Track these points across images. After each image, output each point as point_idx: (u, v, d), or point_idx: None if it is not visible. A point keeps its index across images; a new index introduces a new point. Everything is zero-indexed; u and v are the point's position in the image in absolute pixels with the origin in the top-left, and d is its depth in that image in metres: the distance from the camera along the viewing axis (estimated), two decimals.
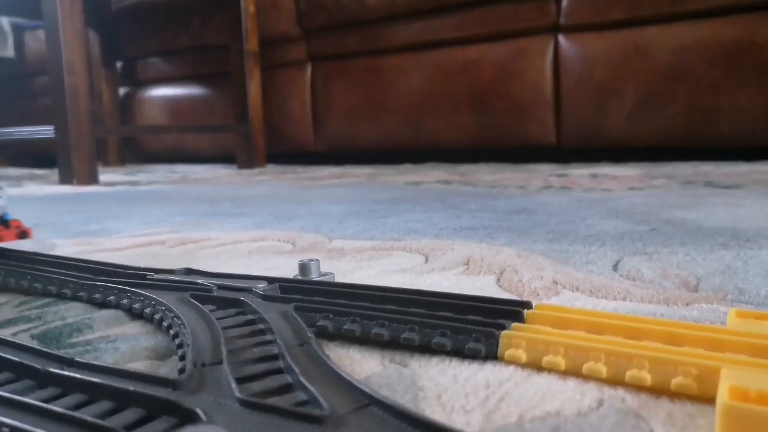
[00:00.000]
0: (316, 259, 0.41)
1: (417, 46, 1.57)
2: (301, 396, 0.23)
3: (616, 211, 0.71)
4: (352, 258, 0.52)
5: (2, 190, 0.50)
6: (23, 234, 0.55)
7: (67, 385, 0.25)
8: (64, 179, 1.37)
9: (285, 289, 0.38)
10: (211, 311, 0.34)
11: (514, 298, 0.38)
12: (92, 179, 1.34)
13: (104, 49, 2.09)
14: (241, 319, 0.33)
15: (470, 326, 0.29)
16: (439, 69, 1.54)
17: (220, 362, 0.26)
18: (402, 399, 0.25)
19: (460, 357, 0.29)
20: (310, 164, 1.80)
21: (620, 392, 0.25)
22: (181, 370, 0.27)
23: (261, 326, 0.32)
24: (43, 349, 0.29)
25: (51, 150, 1.21)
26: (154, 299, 0.37)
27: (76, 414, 0.22)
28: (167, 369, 0.29)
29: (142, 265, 0.46)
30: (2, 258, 0.51)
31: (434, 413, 0.24)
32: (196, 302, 0.35)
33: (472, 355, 0.28)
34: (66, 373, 0.25)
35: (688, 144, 1.31)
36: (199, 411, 0.22)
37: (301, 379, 0.24)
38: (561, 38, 1.39)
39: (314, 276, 0.41)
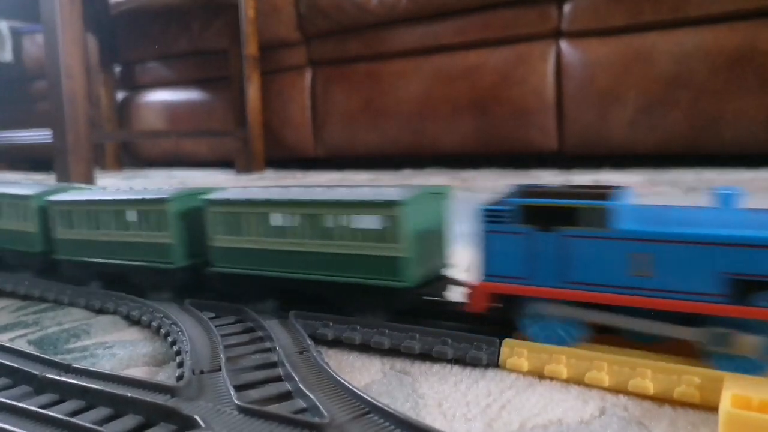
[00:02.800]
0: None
1: (418, 51, 1.57)
2: (301, 403, 0.23)
3: None
4: None
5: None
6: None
7: (65, 391, 0.25)
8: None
9: None
10: (210, 318, 0.34)
11: None
12: (89, 183, 1.34)
13: (103, 53, 2.09)
14: (240, 326, 0.33)
15: (471, 334, 0.29)
16: (440, 74, 1.54)
17: (219, 369, 0.26)
18: (402, 407, 0.25)
19: (461, 365, 0.28)
20: (310, 169, 1.80)
21: (623, 400, 0.25)
22: (180, 377, 0.27)
23: (260, 334, 0.32)
24: (41, 355, 0.28)
25: (49, 154, 1.20)
26: (152, 306, 0.37)
27: (74, 420, 0.22)
28: (165, 375, 0.29)
29: None
30: None
31: (435, 421, 0.23)
32: (194, 309, 0.35)
33: (474, 363, 0.28)
34: (64, 379, 0.25)
35: (691, 151, 1.31)
36: (197, 418, 0.21)
37: (301, 386, 0.24)
38: (563, 44, 1.39)
39: None
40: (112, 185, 0.95)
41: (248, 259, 0.36)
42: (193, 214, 0.38)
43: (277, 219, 0.34)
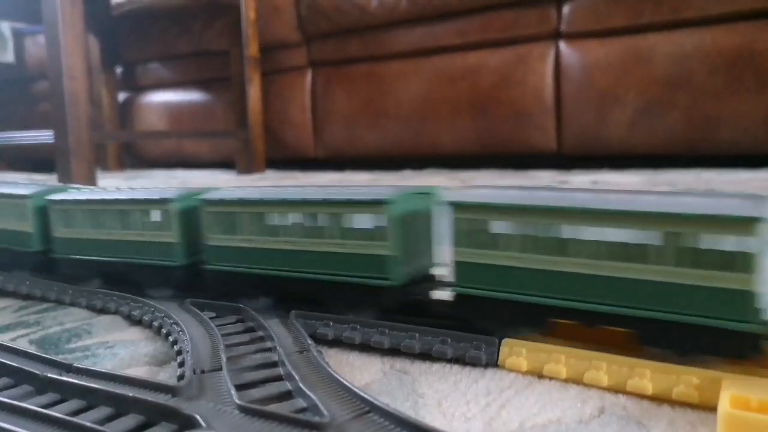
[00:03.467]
0: None
1: (418, 52, 1.57)
2: (301, 403, 0.23)
3: None
4: None
5: None
6: None
7: (66, 391, 0.25)
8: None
9: None
10: (210, 318, 0.34)
11: None
12: (91, 184, 1.34)
13: (104, 54, 2.09)
14: (240, 326, 0.33)
15: (471, 334, 0.29)
16: (440, 75, 1.54)
17: (220, 369, 0.26)
18: (402, 406, 0.25)
19: (460, 364, 0.29)
20: (310, 170, 1.80)
21: (621, 400, 0.25)
22: (180, 377, 0.27)
23: (261, 333, 0.32)
24: (42, 355, 0.28)
25: (50, 155, 1.20)
26: (153, 305, 0.37)
27: (75, 419, 0.22)
28: (166, 375, 0.29)
29: None
30: None
31: (435, 420, 0.24)
32: (195, 309, 0.35)
33: (473, 363, 0.28)
34: (65, 378, 0.25)
35: (690, 151, 1.31)
36: (198, 417, 0.22)
37: (301, 386, 0.24)
38: (562, 45, 1.39)
39: None
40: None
41: (501, 279, 0.28)
42: (414, 219, 0.31)
43: (574, 232, 0.27)
